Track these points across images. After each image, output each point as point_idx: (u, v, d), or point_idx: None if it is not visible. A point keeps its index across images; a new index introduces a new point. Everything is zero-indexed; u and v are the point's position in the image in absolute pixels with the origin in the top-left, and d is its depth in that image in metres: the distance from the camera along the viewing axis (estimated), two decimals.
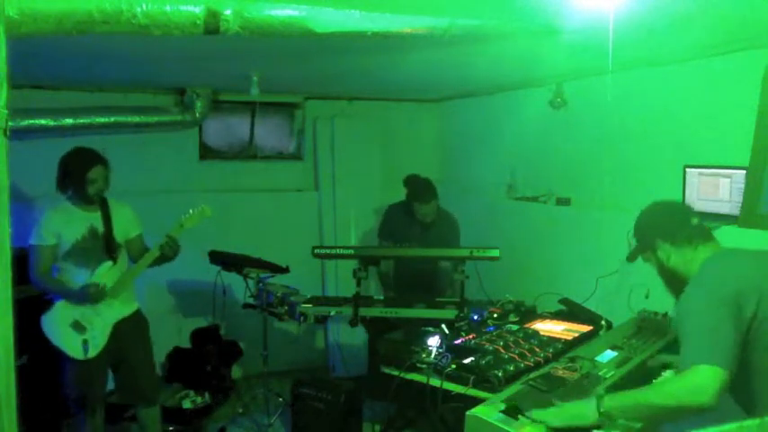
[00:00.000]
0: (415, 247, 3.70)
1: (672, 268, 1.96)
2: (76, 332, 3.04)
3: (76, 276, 3.08)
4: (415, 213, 3.91)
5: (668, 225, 1.97)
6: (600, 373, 2.15)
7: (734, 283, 1.74)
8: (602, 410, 1.72)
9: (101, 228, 3.14)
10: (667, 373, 2.27)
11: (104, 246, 3.13)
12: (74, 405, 3.20)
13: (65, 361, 3.09)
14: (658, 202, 2.09)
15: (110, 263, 3.12)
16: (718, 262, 1.86)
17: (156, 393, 3.44)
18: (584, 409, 1.76)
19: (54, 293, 3.11)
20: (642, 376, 2.26)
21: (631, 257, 2.14)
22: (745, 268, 1.82)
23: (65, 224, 3.09)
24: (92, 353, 3.05)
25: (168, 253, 3.15)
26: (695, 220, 1.96)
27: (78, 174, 3.05)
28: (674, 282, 1.97)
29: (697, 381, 1.61)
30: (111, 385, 3.36)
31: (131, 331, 3.21)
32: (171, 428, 3.85)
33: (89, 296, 3.01)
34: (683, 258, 1.93)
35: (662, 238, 1.97)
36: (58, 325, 3.06)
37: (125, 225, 3.24)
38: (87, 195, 3.08)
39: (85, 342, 3.04)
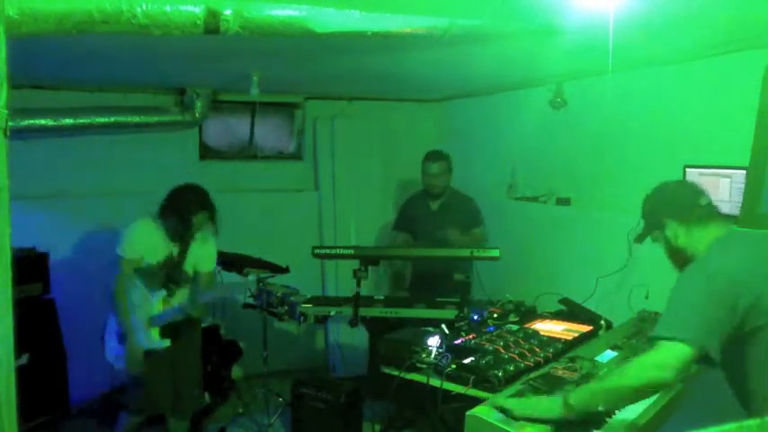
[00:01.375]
0: (419, 243, 3.72)
1: (680, 247, 1.93)
2: (117, 341, 3.06)
3: (135, 294, 3.05)
4: (426, 183, 3.98)
5: (677, 204, 1.96)
6: (600, 374, 2.15)
7: (737, 268, 1.71)
8: (568, 405, 1.71)
9: (176, 256, 3.15)
10: None
11: (167, 275, 3.13)
12: (133, 408, 3.23)
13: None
14: (668, 182, 2.07)
15: (164, 292, 3.12)
16: (724, 245, 1.83)
17: (192, 407, 3.45)
18: (550, 404, 1.77)
19: (116, 315, 3.07)
20: None
21: (639, 239, 2.11)
22: (751, 257, 1.79)
23: (150, 246, 3.08)
24: (117, 365, 3.07)
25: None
26: (704, 200, 1.94)
27: (184, 215, 3.03)
28: (682, 260, 1.94)
29: (661, 357, 1.60)
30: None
31: (182, 338, 3.20)
32: None
33: (131, 354, 2.99)
34: (691, 237, 1.90)
35: (670, 217, 1.94)
36: (112, 337, 3.10)
37: (201, 257, 3.23)
38: (185, 236, 3.08)
39: (118, 356, 3.06)
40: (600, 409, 1.73)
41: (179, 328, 3.15)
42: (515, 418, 1.76)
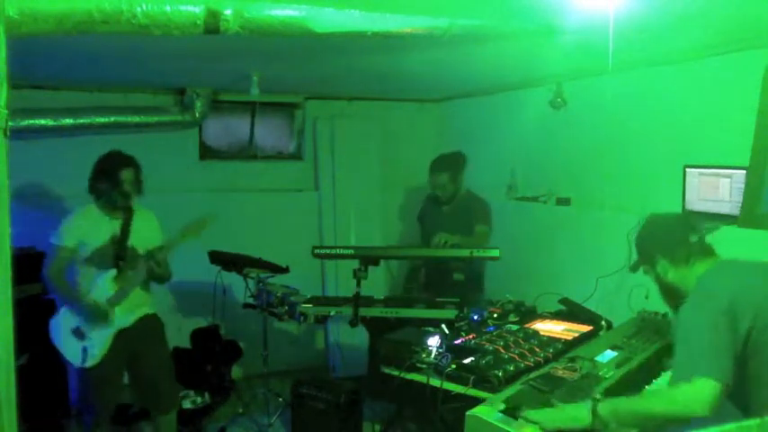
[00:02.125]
0: (419, 246, 3.71)
1: (670, 283, 2.00)
2: (76, 338, 3.02)
3: (96, 279, 3.06)
4: (433, 189, 4.01)
5: (667, 242, 2.00)
6: (600, 373, 2.15)
7: (729, 296, 1.75)
8: (596, 415, 1.72)
9: (119, 234, 3.13)
10: (664, 376, 2.27)
11: (115, 253, 3.11)
12: (81, 407, 3.20)
13: (72, 367, 3.08)
14: (659, 216, 2.11)
15: (114, 271, 3.08)
16: (714, 275, 1.87)
17: (172, 400, 3.42)
18: (579, 413, 1.77)
19: (60, 297, 3.10)
20: (642, 376, 2.26)
21: (633, 268, 2.17)
22: (742, 281, 1.83)
23: (90, 230, 3.07)
24: (90, 362, 3.01)
25: (154, 277, 3.14)
26: (694, 237, 1.97)
27: (108, 175, 3.05)
28: (672, 296, 2.01)
29: (693, 392, 1.62)
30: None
31: (141, 337, 3.16)
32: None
33: (91, 316, 3.00)
34: (681, 275, 1.96)
35: (661, 254, 2.00)
36: (61, 329, 3.05)
37: (147, 234, 3.20)
38: (115, 199, 3.07)
39: (84, 349, 3.01)
40: (628, 427, 1.73)
41: (126, 337, 3.11)
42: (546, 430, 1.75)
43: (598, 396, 1.82)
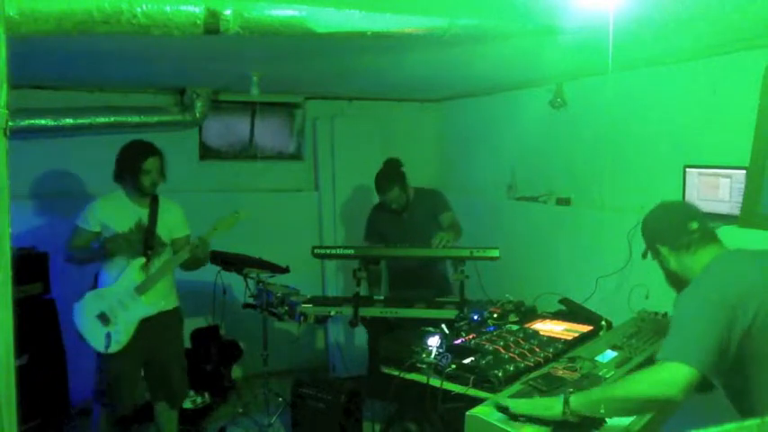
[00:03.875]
0: (402, 244, 3.65)
1: (673, 271, 2.00)
2: (101, 323, 3.06)
3: (115, 265, 3.12)
4: (387, 204, 3.81)
5: (666, 231, 2.00)
6: (600, 373, 2.15)
7: (733, 289, 1.75)
8: (568, 405, 1.73)
9: (147, 223, 3.18)
10: None
11: (143, 241, 3.15)
12: (99, 399, 3.21)
13: (94, 352, 3.12)
14: (662, 205, 2.10)
15: (143, 259, 3.13)
16: (719, 266, 1.87)
17: (182, 397, 3.46)
18: (550, 403, 1.79)
19: (80, 258, 3.16)
20: None
21: (643, 255, 2.16)
22: (746, 273, 1.82)
23: (114, 214, 3.13)
24: (113, 347, 3.05)
25: (199, 254, 3.20)
26: (694, 225, 1.95)
27: (134, 163, 3.10)
28: (676, 282, 2.01)
29: (665, 375, 1.63)
30: None
31: (160, 330, 3.21)
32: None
33: (110, 249, 3.06)
34: (682, 263, 1.96)
35: (661, 243, 2.01)
36: (85, 314, 3.09)
37: (172, 224, 3.27)
38: (141, 186, 3.12)
39: (108, 335, 3.05)
40: (600, 414, 1.74)
41: (148, 327, 3.14)
42: (514, 416, 1.77)
43: (571, 389, 1.84)
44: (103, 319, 3.07)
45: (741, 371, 1.73)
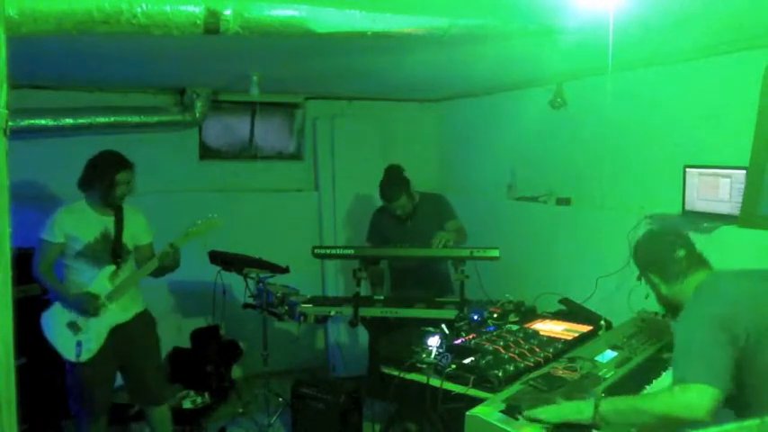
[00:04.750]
0: (406, 246, 3.64)
1: (665, 296, 2.07)
2: (71, 332, 3.03)
3: (84, 276, 3.08)
4: (392, 211, 3.79)
5: (655, 260, 2.08)
6: (600, 373, 2.15)
7: (722, 307, 1.79)
8: (598, 411, 1.75)
9: (113, 232, 3.14)
10: (664, 376, 2.28)
11: (111, 250, 3.13)
12: (75, 409, 3.19)
13: (67, 364, 3.08)
14: (649, 234, 2.20)
15: (113, 267, 3.11)
16: (709, 287, 1.93)
17: (163, 393, 3.42)
18: (581, 408, 1.80)
19: (51, 292, 3.11)
20: (642, 376, 2.26)
21: (638, 278, 2.22)
22: (735, 291, 1.87)
23: (79, 224, 3.09)
24: (84, 356, 3.02)
25: (167, 263, 3.15)
26: (681, 253, 2.02)
27: (106, 175, 3.06)
28: (669, 306, 2.10)
29: (693, 397, 1.65)
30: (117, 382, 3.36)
31: (133, 335, 3.19)
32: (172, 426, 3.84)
33: (83, 305, 3.01)
34: (673, 289, 2.03)
35: (651, 272, 2.08)
36: (55, 324, 3.06)
37: (136, 231, 3.24)
38: (111, 197, 3.09)
39: (78, 344, 3.01)
40: (627, 424, 1.76)
41: (120, 333, 3.12)
42: (549, 427, 1.77)
43: (602, 394, 1.84)
44: (73, 327, 3.03)
45: (737, 379, 1.76)
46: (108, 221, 3.15)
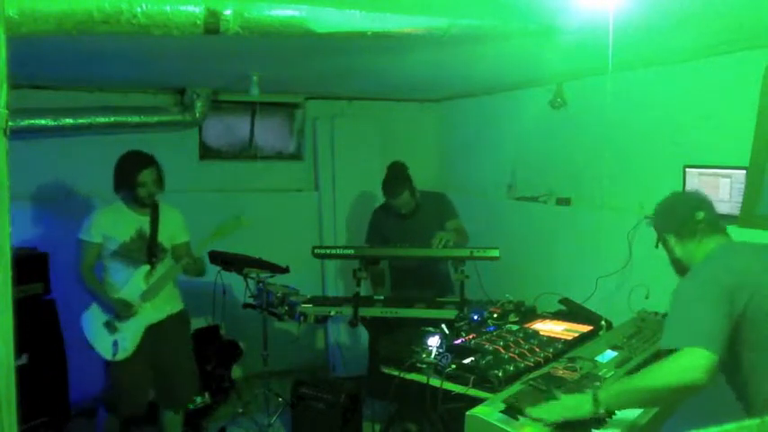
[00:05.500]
0: (406, 245, 3.64)
1: (678, 258, 2.05)
2: (108, 331, 3.08)
3: (119, 276, 3.13)
4: (395, 209, 3.79)
5: (673, 220, 2.06)
6: (600, 373, 2.15)
7: (728, 276, 1.78)
8: (597, 400, 1.75)
9: (148, 231, 3.18)
10: None
11: (146, 249, 3.16)
12: (110, 407, 3.23)
13: (105, 363, 3.14)
14: (672, 195, 2.17)
15: (147, 267, 3.15)
16: (718, 255, 1.92)
17: (187, 399, 3.46)
18: (579, 401, 1.80)
19: (90, 294, 3.14)
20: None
21: (656, 244, 2.20)
22: (743, 262, 1.86)
23: (114, 224, 3.13)
24: (120, 355, 3.07)
25: (190, 272, 3.22)
26: (701, 215, 2.00)
27: (129, 176, 3.10)
28: (681, 269, 2.06)
29: (688, 360, 1.64)
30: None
31: (167, 335, 3.22)
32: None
33: (117, 312, 3.06)
34: (687, 251, 2.01)
35: (668, 231, 2.07)
36: (93, 323, 3.10)
37: (172, 230, 3.28)
38: (138, 198, 3.13)
39: (115, 343, 3.06)
40: (634, 407, 1.75)
41: (154, 333, 3.16)
42: (550, 426, 1.76)
43: (598, 383, 1.85)
44: (110, 326, 3.09)
45: (738, 357, 1.76)
46: (143, 221, 3.19)
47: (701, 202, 2.07)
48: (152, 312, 3.16)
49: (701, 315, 1.71)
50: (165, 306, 3.24)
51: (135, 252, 3.14)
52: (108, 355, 3.07)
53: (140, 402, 3.24)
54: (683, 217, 2.03)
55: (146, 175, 3.12)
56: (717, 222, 2.03)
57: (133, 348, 3.09)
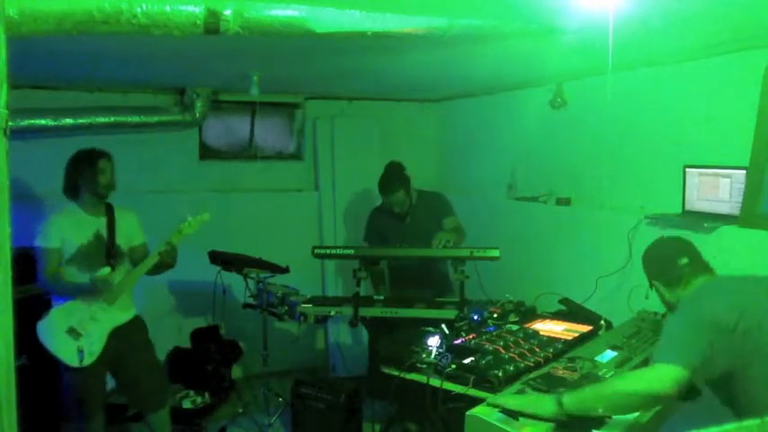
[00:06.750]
0: (403, 245, 3.63)
1: (668, 301, 2.15)
2: (72, 338, 3.00)
3: (77, 278, 3.05)
4: (389, 207, 3.79)
5: (659, 268, 2.17)
6: (600, 373, 2.15)
7: (713, 305, 1.84)
8: (561, 405, 1.77)
9: (105, 233, 3.13)
10: None
11: (105, 252, 3.11)
12: (73, 411, 3.18)
13: (62, 368, 3.06)
14: (656, 242, 2.26)
15: (107, 269, 3.05)
16: (704, 288, 2.01)
17: (163, 396, 3.40)
18: (543, 401, 1.83)
19: (63, 295, 3.07)
20: None
21: (650, 287, 2.28)
22: (729, 293, 1.93)
23: (71, 228, 3.07)
24: (87, 360, 2.99)
25: (167, 259, 3.14)
26: (684, 260, 2.09)
27: (87, 164, 3.05)
28: (672, 309, 2.15)
29: (658, 372, 1.71)
30: (110, 384, 3.35)
31: (130, 338, 3.17)
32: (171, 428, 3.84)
33: (99, 290, 2.98)
34: (676, 295, 2.10)
35: (655, 279, 2.17)
36: (54, 332, 3.01)
37: (129, 232, 3.23)
38: (98, 187, 3.07)
39: (80, 349, 2.99)
40: (598, 413, 1.76)
41: (118, 336, 3.11)
42: (509, 413, 1.81)
43: (562, 389, 1.89)
44: (73, 333, 3.00)
45: (732, 389, 1.81)
46: (100, 223, 3.13)
47: (683, 247, 2.15)
48: (117, 314, 3.10)
49: (680, 338, 1.78)
50: (129, 308, 3.19)
51: (93, 255, 3.07)
52: (75, 362, 2.97)
53: (100, 401, 3.19)
54: (667, 265, 2.12)
55: (104, 163, 3.08)
56: (701, 263, 2.12)
57: (99, 351, 3.02)
